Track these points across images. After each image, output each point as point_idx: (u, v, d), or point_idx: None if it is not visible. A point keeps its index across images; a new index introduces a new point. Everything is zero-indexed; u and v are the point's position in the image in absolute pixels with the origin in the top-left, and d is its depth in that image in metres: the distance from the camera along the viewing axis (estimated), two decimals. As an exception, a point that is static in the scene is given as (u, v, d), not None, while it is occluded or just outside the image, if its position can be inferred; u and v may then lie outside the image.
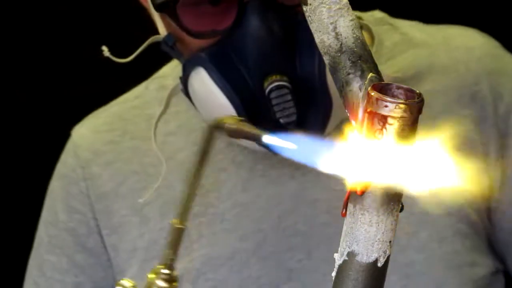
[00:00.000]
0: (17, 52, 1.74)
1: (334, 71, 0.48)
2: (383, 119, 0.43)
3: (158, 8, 0.86)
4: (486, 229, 0.93)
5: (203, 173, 0.70)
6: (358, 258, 0.45)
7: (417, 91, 0.44)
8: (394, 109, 0.42)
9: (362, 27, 0.95)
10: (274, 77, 0.82)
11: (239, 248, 0.91)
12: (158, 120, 0.97)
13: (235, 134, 0.62)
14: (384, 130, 0.43)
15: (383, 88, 0.44)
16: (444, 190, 0.44)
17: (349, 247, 0.45)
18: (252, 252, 0.91)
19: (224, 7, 0.84)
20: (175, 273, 0.68)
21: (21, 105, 1.76)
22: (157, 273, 0.68)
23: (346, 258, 0.46)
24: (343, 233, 0.46)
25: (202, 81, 0.86)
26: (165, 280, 0.68)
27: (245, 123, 0.62)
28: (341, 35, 0.48)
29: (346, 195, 0.46)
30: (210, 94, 0.85)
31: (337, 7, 0.48)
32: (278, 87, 0.82)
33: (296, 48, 0.84)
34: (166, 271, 0.68)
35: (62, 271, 1.00)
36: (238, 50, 0.84)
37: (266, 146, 0.54)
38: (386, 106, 0.42)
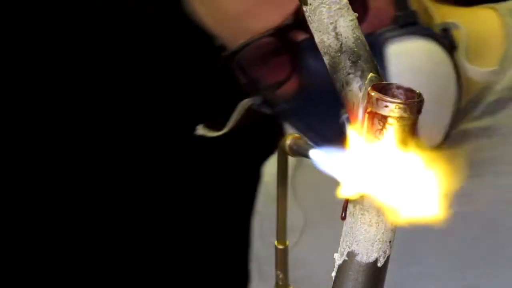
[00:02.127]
0: (23, 53, 1.74)
1: (334, 71, 0.48)
2: (383, 119, 0.43)
3: (222, 73, 0.88)
4: None
5: (287, 193, 0.70)
6: (358, 258, 0.45)
7: (417, 91, 0.43)
8: (394, 109, 0.42)
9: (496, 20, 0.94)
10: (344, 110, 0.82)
11: None
12: None
13: (292, 152, 0.62)
14: (384, 130, 0.43)
15: (383, 88, 0.44)
16: None
17: (349, 247, 0.45)
18: None
19: (281, 57, 0.85)
20: None
21: (21, 105, 1.76)
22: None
23: (346, 258, 0.46)
24: (343, 233, 0.46)
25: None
26: None
27: (301, 139, 0.62)
28: (341, 35, 0.48)
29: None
30: None
31: (337, 7, 0.48)
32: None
33: None
34: None
35: None
36: (309, 93, 0.84)
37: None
38: (386, 106, 0.42)
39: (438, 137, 0.83)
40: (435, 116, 0.82)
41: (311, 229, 0.98)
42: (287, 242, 0.69)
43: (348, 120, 0.83)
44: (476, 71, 0.86)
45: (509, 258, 0.87)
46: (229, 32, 0.87)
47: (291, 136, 0.61)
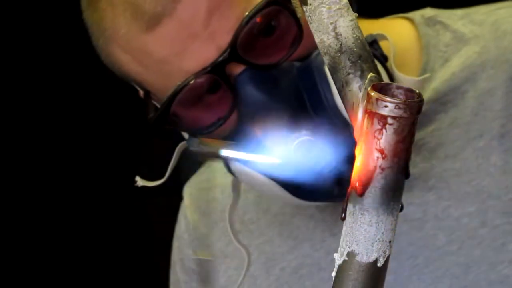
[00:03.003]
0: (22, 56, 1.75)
1: (334, 71, 0.48)
2: (383, 119, 0.43)
3: (155, 126, 0.84)
4: None
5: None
6: (358, 258, 0.45)
7: (417, 91, 0.43)
8: (394, 109, 0.42)
9: (415, 30, 0.93)
10: (293, 136, 0.79)
11: None
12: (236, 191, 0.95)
13: (201, 155, 0.60)
14: (384, 130, 0.43)
15: (383, 88, 0.44)
16: None
17: (349, 247, 0.45)
18: None
19: (219, 93, 0.82)
20: None
21: (21, 106, 1.77)
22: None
23: (346, 258, 0.46)
24: (343, 233, 0.46)
25: (240, 170, 0.84)
26: None
27: (208, 141, 0.60)
28: (341, 35, 0.48)
29: (346, 198, 0.46)
30: (251, 179, 0.83)
31: (337, 7, 0.48)
32: (302, 144, 0.79)
33: (303, 96, 0.81)
34: None
35: None
36: (252, 125, 0.81)
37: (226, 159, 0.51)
38: (386, 106, 0.42)
39: None
40: None
41: (252, 266, 0.97)
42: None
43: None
44: (408, 80, 0.85)
45: (440, 275, 0.86)
46: (160, 76, 0.83)
47: (198, 139, 0.59)
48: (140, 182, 0.89)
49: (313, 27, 0.49)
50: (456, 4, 0.97)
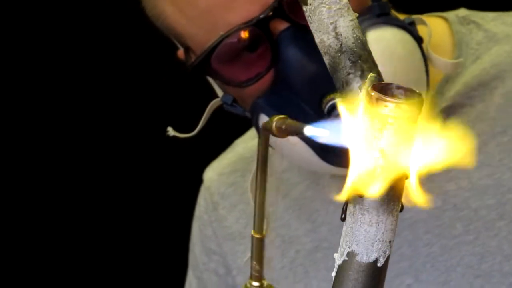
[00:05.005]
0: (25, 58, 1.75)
1: (334, 71, 0.48)
2: (383, 119, 0.42)
3: (194, 71, 0.85)
4: None
5: (266, 179, 0.69)
6: (358, 258, 0.45)
7: (418, 91, 0.43)
8: (394, 109, 0.42)
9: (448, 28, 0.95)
10: (328, 97, 0.80)
11: None
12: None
13: (282, 132, 0.60)
14: (384, 130, 0.43)
15: (383, 88, 0.44)
16: None
17: (349, 247, 0.45)
18: None
19: (260, 49, 0.83)
20: (266, 283, 0.68)
21: (21, 107, 1.77)
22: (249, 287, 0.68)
23: (346, 258, 0.46)
24: (343, 233, 0.46)
25: None
26: None
27: (288, 119, 0.60)
28: (341, 35, 0.48)
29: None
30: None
31: (337, 7, 0.48)
32: (335, 105, 0.80)
33: None
34: (256, 284, 0.68)
35: None
36: (288, 84, 0.83)
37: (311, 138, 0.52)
38: (386, 106, 0.42)
39: None
40: None
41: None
42: (264, 232, 0.68)
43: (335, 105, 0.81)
44: (442, 61, 0.87)
45: (454, 264, 0.87)
46: (203, 28, 0.84)
47: (276, 117, 0.60)
48: (171, 132, 0.91)
49: (313, 27, 0.49)
50: (489, 7, 1.00)
